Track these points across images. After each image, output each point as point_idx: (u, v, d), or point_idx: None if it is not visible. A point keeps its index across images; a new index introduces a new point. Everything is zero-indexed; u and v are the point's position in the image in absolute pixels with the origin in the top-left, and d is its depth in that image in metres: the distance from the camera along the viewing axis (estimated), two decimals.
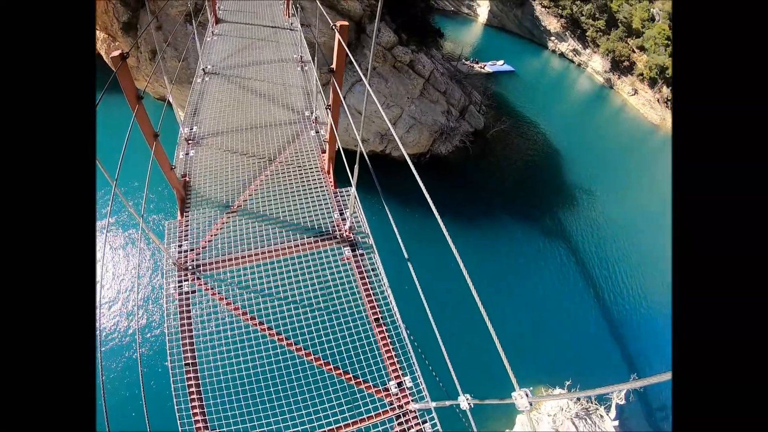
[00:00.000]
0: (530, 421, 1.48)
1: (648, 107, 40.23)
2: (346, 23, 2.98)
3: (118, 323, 15.24)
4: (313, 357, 3.00)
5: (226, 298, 3.11)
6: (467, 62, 36.56)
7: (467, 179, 24.55)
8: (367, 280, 3.11)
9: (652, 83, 37.49)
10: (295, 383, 2.96)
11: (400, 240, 2.47)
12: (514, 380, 1.46)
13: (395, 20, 24.75)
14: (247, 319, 3.00)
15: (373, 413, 2.78)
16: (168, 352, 2.74)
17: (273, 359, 2.99)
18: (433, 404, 2.50)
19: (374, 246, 3.28)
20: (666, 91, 38.30)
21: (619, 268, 23.69)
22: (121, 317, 15.54)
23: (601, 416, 17.88)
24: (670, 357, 0.88)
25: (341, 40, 2.99)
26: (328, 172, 4.07)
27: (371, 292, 3.06)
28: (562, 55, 45.83)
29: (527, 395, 1.40)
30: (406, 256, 2.43)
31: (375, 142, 22.36)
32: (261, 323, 3.02)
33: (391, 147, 23.51)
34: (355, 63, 2.78)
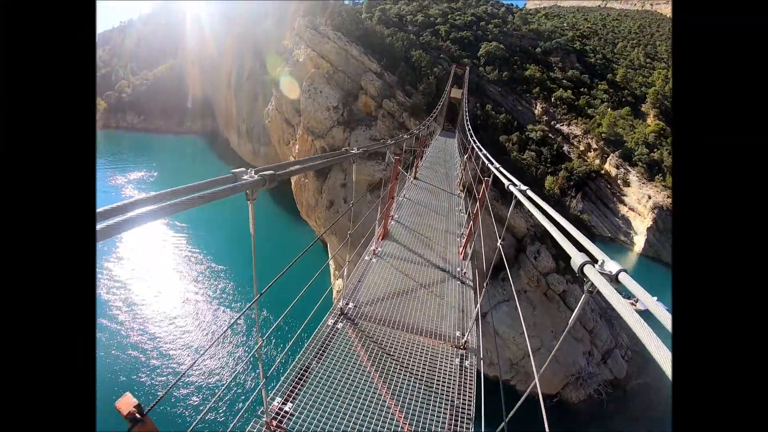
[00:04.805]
0: None
1: None
2: None
3: None
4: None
5: (363, 346, 3.92)
6: None
7: None
8: None
9: None
10: None
11: None
12: None
13: (556, 245, 23.96)
14: (372, 371, 3.65)
15: None
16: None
17: (377, 419, 3.22)
18: None
19: None
20: None
21: None
22: None
23: None
24: None
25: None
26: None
27: None
28: None
29: None
30: None
31: (503, 369, 19.53)
32: (381, 381, 3.56)
33: (518, 380, 20.26)
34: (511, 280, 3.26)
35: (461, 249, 7.43)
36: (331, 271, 21.09)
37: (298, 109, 25.70)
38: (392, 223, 8.00)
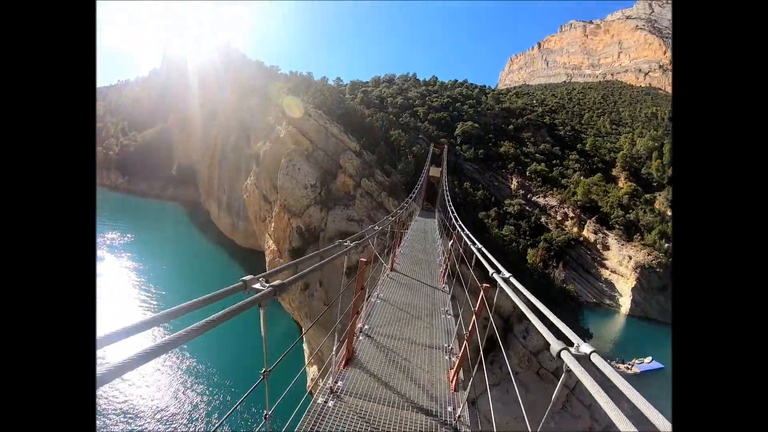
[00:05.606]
0: None
1: None
2: None
3: None
4: None
5: None
6: (613, 363, 32.87)
7: None
8: None
9: None
10: None
11: None
12: None
13: (545, 320, 23.61)
14: None
15: None
16: None
17: None
18: None
19: None
20: None
21: None
22: None
23: None
24: None
25: None
26: None
27: None
28: None
29: None
30: None
31: None
32: None
33: None
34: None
35: (452, 375, 5.77)
36: (305, 356, 19.71)
37: (276, 185, 25.73)
38: (360, 338, 6.52)
